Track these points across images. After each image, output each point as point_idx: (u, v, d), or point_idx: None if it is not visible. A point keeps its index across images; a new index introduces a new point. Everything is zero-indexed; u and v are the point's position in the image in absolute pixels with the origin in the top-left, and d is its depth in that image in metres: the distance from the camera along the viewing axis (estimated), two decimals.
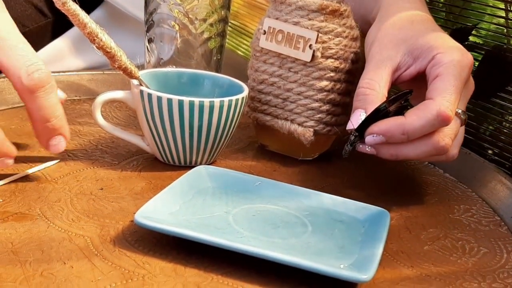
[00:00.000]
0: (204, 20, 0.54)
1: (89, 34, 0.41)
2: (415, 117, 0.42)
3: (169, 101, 0.45)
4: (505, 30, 0.59)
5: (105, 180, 0.45)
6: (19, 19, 0.69)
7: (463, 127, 0.46)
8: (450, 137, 0.43)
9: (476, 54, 0.62)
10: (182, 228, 0.36)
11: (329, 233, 0.40)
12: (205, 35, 0.55)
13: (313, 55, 0.49)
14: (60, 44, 0.74)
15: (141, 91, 0.45)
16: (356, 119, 0.44)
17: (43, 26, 0.73)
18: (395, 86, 0.49)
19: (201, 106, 0.45)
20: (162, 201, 0.40)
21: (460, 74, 0.44)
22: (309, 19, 0.50)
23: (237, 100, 0.47)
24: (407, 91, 0.45)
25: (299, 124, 0.52)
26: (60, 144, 0.43)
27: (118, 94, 0.47)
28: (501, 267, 0.40)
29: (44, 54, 0.73)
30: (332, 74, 0.51)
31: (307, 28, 0.49)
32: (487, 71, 0.60)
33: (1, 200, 0.40)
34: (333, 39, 0.50)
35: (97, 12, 0.79)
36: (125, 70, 0.45)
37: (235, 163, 0.52)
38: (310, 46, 0.49)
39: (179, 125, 0.46)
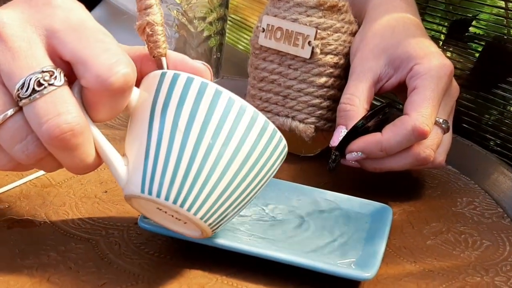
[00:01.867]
0: (203, 18, 0.54)
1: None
2: (391, 134, 0.43)
3: (203, 85, 0.31)
4: (505, 21, 0.59)
5: (109, 183, 0.45)
6: None
7: (450, 133, 0.47)
8: (431, 148, 0.44)
9: (476, 45, 0.62)
10: None
11: (332, 231, 0.40)
12: (205, 34, 0.55)
13: (312, 52, 0.50)
14: None
15: (163, 74, 0.32)
16: (337, 136, 0.45)
17: None
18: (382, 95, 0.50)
19: (254, 118, 0.32)
20: None
21: (437, 85, 0.44)
22: (308, 16, 0.50)
23: (282, 140, 0.34)
24: (385, 105, 0.45)
25: (300, 121, 0.52)
26: None
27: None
28: (504, 260, 0.40)
29: None
30: (332, 70, 0.51)
31: (306, 24, 0.49)
32: (488, 62, 0.60)
33: (6, 206, 0.41)
34: (332, 35, 0.50)
35: (97, 10, 0.79)
36: (152, 34, 0.33)
37: None
38: (309, 42, 0.49)
39: (198, 130, 0.31)
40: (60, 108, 0.30)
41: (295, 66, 0.51)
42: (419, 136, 0.42)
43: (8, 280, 0.33)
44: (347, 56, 0.51)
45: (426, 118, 0.43)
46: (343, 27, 0.50)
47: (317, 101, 0.51)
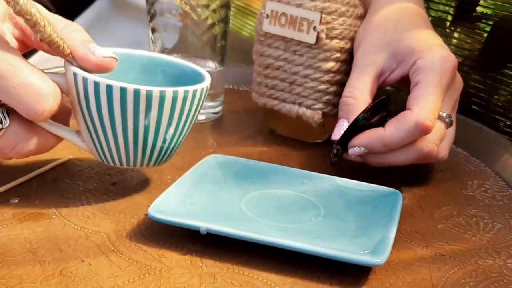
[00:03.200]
0: (207, 6, 0.54)
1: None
2: (394, 129, 0.43)
3: (109, 88, 0.36)
4: None
5: (117, 175, 0.45)
6: None
7: (453, 127, 0.47)
8: (435, 142, 0.44)
9: (484, 25, 0.61)
10: (196, 220, 0.36)
11: (342, 217, 0.40)
12: (209, 22, 0.55)
13: (317, 37, 0.49)
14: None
15: (75, 74, 0.37)
16: (339, 129, 0.45)
17: None
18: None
19: (149, 97, 0.37)
20: (174, 193, 0.40)
21: (441, 79, 0.44)
22: (312, 0, 0.49)
23: (194, 91, 0.39)
24: (384, 97, 0.45)
25: (307, 107, 0.51)
26: (96, 50, 0.38)
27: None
28: None
29: (33, 61, 0.71)
30: (338, 55, 0.50)
31: (310, 9, 0.49)
32: (497, 42, 0.59)
33: (17, 200, 0.41)
34: (337, 19, 0.49)
35: (100, 1, 0.79)
36: (50, 45, 0.36)
37: (245, 149, 0.52)
38: (314, 28, 0.49)
39: (120, 120, 0.37)
40: (16, 140, 0.37)
41: (301, 52, 0.50)
42: (422, 131, 0.42)
43: (21, 274, 0.33)
44: (353, 40, 0.50)
45: (429, 113, 0.42)
46: (348, 11, 0.50)
47: (323, 86, 0.51)
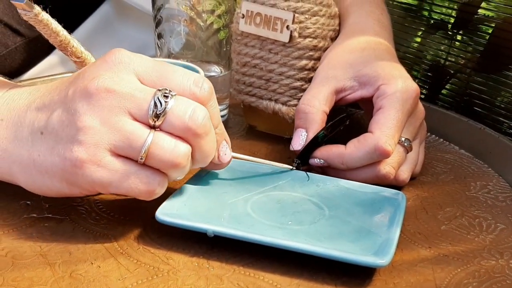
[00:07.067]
0: (212, 12, 0.55)
1: (62, 42, 0.40)
2: (354, 149, 0.44)
3: None
4: None
5: None
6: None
7: (414, 152, 0.47)
8: (392, 165, 0.45)
9: (486, 27, 0.61)
10: (202, 222, 0.37)
11: (345, 218, 0.41)
12: (214, 27, 0.55)
13: (291, 36, 0.50)
14: (54, 59, 0.73)
15: None
16: (297, 139, 0.47)
17: (22, 45, 0.70)
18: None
19: None
20: (181, 196, 0.41)
21: (403, 106, 0.45)
22: (285, 0, 0.51)
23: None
24: (344, 115, 0.46)
25: (282, 104, 0.53)
26: (227, 151, 0.41)
27: None
28: None
29: (38, 69, 0.72)
30: (311, 53, 0.51)
31: (284, 9, 0.50)
32: (499, 43, 0.60)
33: (28, 203, 0.41)
34: (310, 18, 0.51)
35: (105, 6, 0.79)
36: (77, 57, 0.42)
37: (251, 152, 0.52)
38: (288, 27, 0.50)
39: None
40: (191, 104, 0.35)
41: (276, 50, 0.52)
42: (381, 154, 0.43)
43: (31, 277, 0.34)
44: (326, 38, 0.52)
45: (389, 137, 0.44)
46: (321, 10, 0.51)
47: (298, 83, 0.52)
